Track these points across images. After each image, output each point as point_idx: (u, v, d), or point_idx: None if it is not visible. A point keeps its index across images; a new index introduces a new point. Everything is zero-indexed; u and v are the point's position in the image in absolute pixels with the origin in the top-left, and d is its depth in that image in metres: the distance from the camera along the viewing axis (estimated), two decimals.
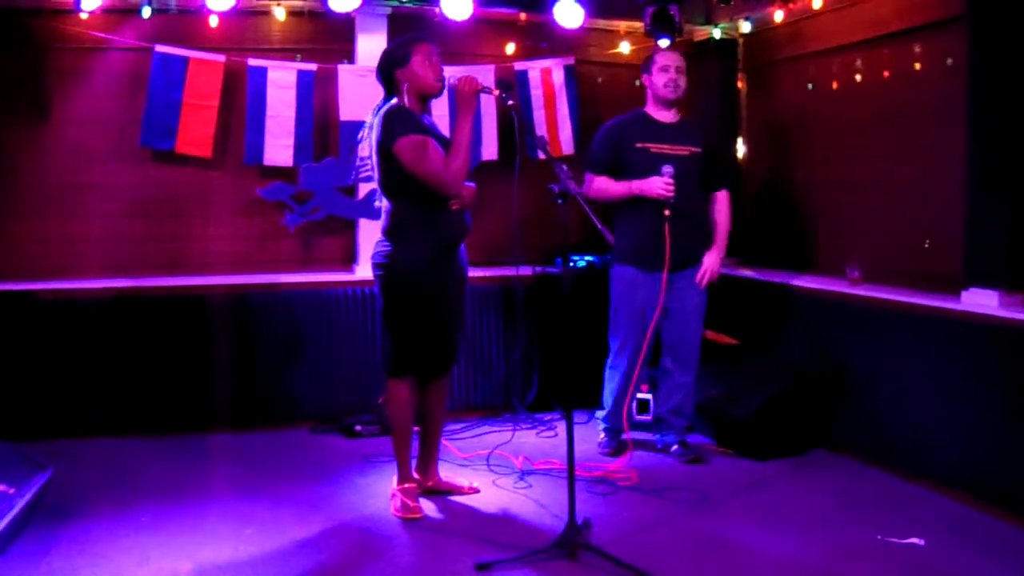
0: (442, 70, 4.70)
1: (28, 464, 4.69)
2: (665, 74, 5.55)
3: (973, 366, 4.88)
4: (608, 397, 5.79)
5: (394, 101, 4.64)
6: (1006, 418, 4.68)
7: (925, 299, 5.22)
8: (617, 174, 5.55)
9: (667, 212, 5.39)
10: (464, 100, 4.55)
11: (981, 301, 4.90)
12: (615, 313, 5.69)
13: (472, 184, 4.73)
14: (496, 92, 4.57)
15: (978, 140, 4.99)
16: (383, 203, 4.70)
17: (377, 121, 4.58)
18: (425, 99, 4.73)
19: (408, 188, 4.55)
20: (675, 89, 5.56)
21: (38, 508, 4.55)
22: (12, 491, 4.34)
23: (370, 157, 4.68)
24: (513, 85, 4.71)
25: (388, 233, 4.67)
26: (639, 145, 5.52)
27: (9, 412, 5.73)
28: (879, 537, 4.47)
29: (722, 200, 5.72)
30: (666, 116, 5.62)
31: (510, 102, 4.54)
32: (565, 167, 4.33)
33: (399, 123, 4.52)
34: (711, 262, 5.61)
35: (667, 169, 5.40)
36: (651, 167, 5.44)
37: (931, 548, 4.36)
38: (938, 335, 5.08)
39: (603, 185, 5.56)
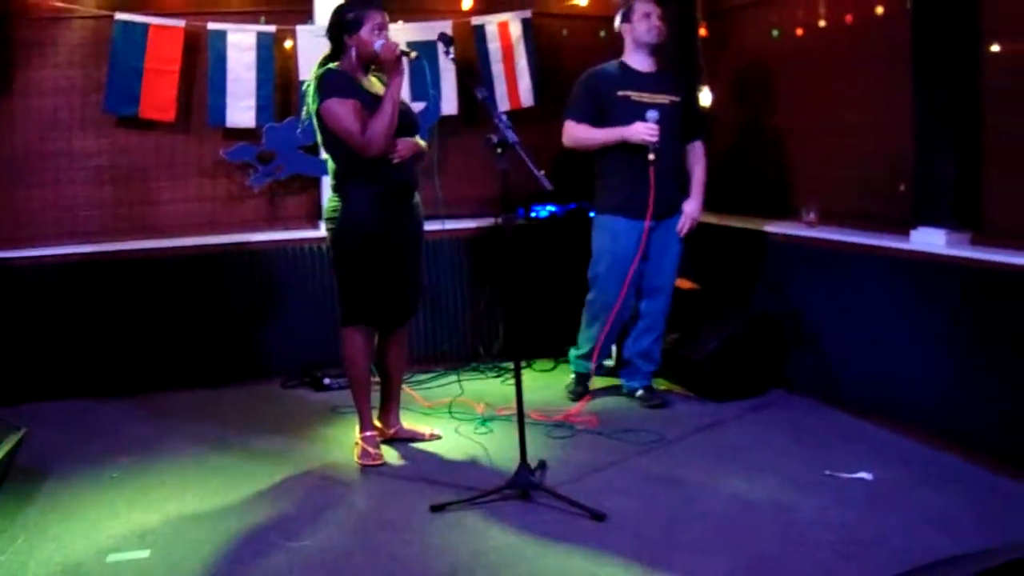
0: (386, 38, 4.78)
1: None
2: (647, 20, 5.58)
3: (922, 304, 4.98)
4: (586, 342, 5.88)
5: (329, 66, 4.77)
6: (954, 354, 4.79)
7: (876, 239, 5.31)
8: (599, 123, 5.58)
9: (652, 157, 5.43)
10: (390, 66, 4.66)
11: (929, 240, 4.98)
12: (597, 263, 5.75)
13: (410, 140, 4.82)
14: (413, 55, 4.66)
15: (924, 82, 5.04)
16: (328, 161, 4.84)
17: (312, 82, 4.73)
18: (369, 66, 4.85)
19: (344, 145, 4.68)
20: (659, 34, 5.60)
21: (11, 468, 4.66)
22: None
23: (310, 118, 4.81)
24: (453, 39, 4.79)
25: (335, 189, 4.82)
26: (621, 94, 5.56)
27: None
28: (827, 472, 4.60)
29: (698, 149, 5.81)
30: (646, 64, 5.66)
31: (451, 56, 4.69)
32: (504, 117, 4.42)
33: (327, 86, 4.67)
34: (691, 210, 5.72)
35: (652, 115, 5.43)
36: (635, 115, 5.48)
37: (880, 482, 4.48)
38: (889, 274, 5.18)
39: (584, 133, 5.58)
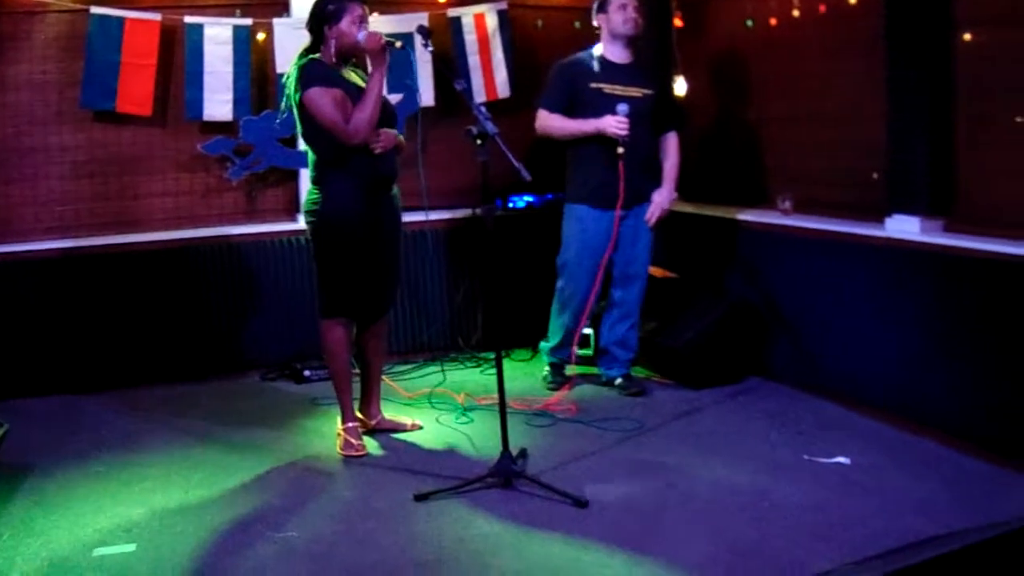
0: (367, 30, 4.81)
1: None
2: (623, 12, 5.62)
3: (897, 290, 5.05)
4: (556, 332, 5.93)
5: (311, 56, 4.79)
6: (929, 340, 4.86)
7: (851, 227, 5.37)
8: (571, 113, 5.64)
9: (620, 150, 5.50)
10: (374, 56, 4.69)
11: (904, 227, 5.05)
12: (566, 250, 5.81)
13: (391, 132, 4.85)
14: (399, 44, 4.70)
15: (897, 71, 5.10)
16: (308, 152, 4.86)
17: (293, 73, 4.74)
18: (348, 58, 4.88)
19: (326, 135, 4.70)
20: (635, 26, 5.64)
21: None
22: None
23: (289, 109, 4.84)
24: (432, 31, 4.84)
25: (315, 180, 4.83)
26: (593, 85, 5.62)
27: None
28: (806, 457, 4.67)
29: (672, 140, 5.85)
30: (621, 56, 5.71)
31: (430, 48, 4.71)
32: (484, 108, 4.47)
33: (310, 75, 4.68)
34: (661, 200, 5.76)
35: (622, 108, 5.48)
36: (606, 107, 5.53)
37: (857, 466, 4.55)
38: (864, 261, 5.25)
39: (557, 123, 5.65)
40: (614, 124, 5.47)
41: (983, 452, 4.53)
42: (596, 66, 5.67)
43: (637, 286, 5.86)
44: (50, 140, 6.22)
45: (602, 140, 5.55)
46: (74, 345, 6.09)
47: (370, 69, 4.74)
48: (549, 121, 5.67)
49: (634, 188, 5.61)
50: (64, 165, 6.27)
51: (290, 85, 4.76)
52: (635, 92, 5.62)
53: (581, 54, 5.76)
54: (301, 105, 4.69)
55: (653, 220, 5.75)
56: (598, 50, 5.73)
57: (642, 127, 5.62)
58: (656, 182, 5.79)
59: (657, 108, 5.73)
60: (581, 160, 5.69)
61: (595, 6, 5.76)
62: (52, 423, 5.52)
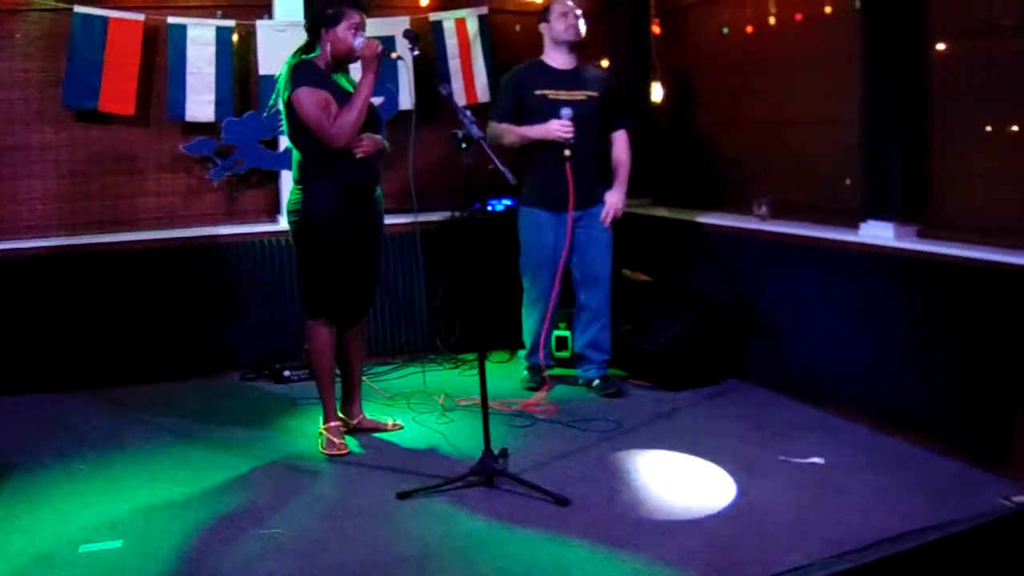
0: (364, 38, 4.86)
1: None
2: (565, 19, 5.75)
3: (871, 295, 5.12)
4: (527, 336, 6.02)
5: (304, 57, 4.84)
6: (902, 343, 4.94)
7: (826, 232, 5.45)
8: (519, 121, 5.75)
9: (567, 153, 5.63)
10: (367, 63, 4.74)
11: (878, 233, 5.13)
12: (526, 254, 5.93)
13: (376, 136, 4.89)
14: (395, 55, 4.78)
15: (874, 80, 5.18)
16: (292, 151, 4.90)
17: (285, 71, 4.79)
18: (341, 62, 4.92)
19: (311, 136, 4.73)
20: (576, 33, 5.76)
21: None
22: None
23: (276, 104, 4.89)
24: (419, 36, 4.90)
25: (298, 181, 4.87)
26: (538, 92, 5.73)
27: None
28: (782, 458, 4.75)
29: (621, 140, 5.94)
30: (564, 62, 5.82)
31: (415, 53, 4.78)
32: (468, 112, 4.54)
33: (301, 75, 4.72)
34: (613, 200, 5.85)
35: (566, 112, 5.62)
36: (551, 112, 5.66)
37: (832, 466, 4.63)
38: (838, 266, 5.32)
39: (505, 131, 5.75)
40: (558, 128, 5.61)
41: (955, 451, 4.62)
42: (540, 73, 5.81)
43: (600, 288, 5.92)
44: (32, 139, 6.23)
45: (550, 145, 5.67)
46: (55, 344, 6.09)
47: (360, 74, 4.77)
48: (498, 130, 5.77)
49: (584, 190, 5.72)
50: (46, 164, 6.27)
51: (281, 82, 4.80)
52: (579, 95, 5.74)
53: (527, 64, 5.91)
54: (289, 104, 4.73)
55: (608, 220, 5.84)
56: (542, 57, 5.88)
57: (589, 130, 5.74)
58: (608, 183, 5.89)
59: (604, 110, 5.83)
60: (533, 165, 5.79)
61: (541, 15, 5.91)
62: (32, 422, 5.52)
